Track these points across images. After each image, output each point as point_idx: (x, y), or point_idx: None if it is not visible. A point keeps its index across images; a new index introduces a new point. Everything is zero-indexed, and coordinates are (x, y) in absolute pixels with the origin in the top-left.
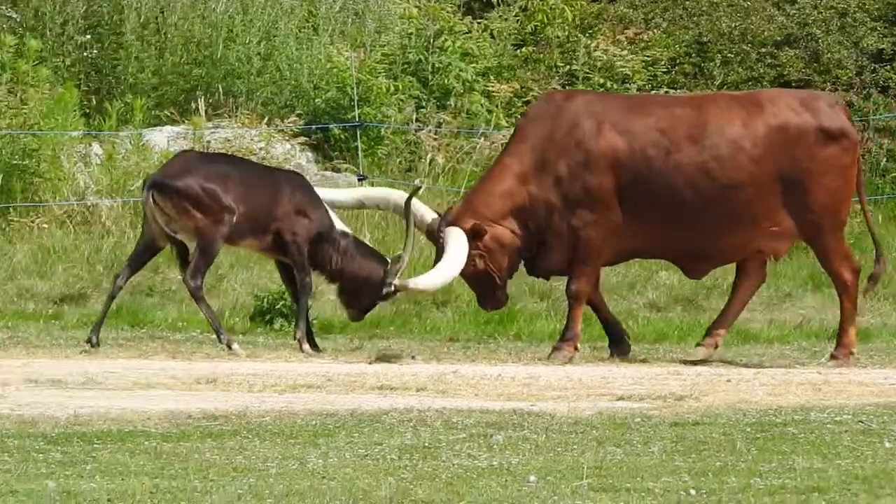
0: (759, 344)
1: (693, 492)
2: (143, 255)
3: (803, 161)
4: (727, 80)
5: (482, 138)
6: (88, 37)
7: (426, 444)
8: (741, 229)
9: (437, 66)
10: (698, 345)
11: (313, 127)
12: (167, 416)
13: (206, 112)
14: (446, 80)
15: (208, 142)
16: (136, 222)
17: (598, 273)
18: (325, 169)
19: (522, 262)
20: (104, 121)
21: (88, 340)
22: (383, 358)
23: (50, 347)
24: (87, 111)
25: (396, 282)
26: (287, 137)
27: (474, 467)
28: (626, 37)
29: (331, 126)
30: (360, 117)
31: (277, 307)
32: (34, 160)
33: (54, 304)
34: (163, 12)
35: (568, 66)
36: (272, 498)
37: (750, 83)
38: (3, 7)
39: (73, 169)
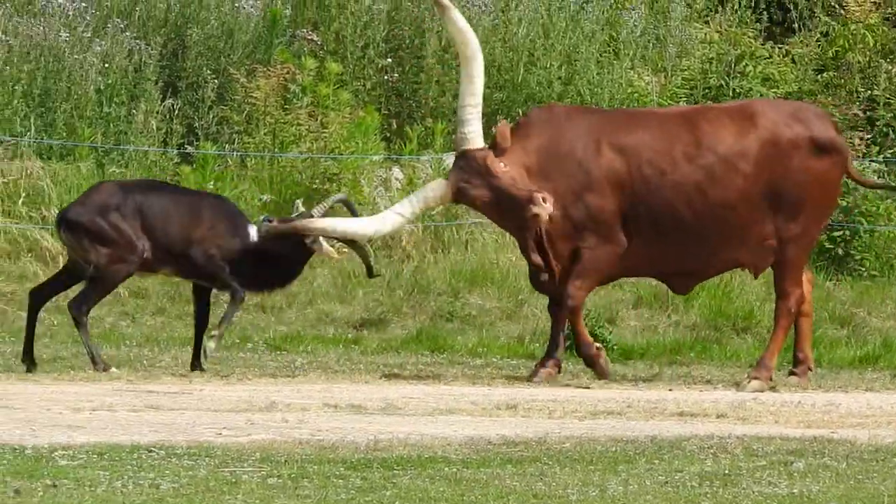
0: None
1: None
2: (67, 279)
3: (795, 174)
4: None
5: None
6: (389, 60)
7: (726, 472)
8: (732, 246)
9: (737, 90)
10: (791, 373)
11: None
12: (467, 441)
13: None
14: None
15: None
16: (437, 246)
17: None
18: None
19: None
20: (404, 145)
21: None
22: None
23: (350, 373)
24: (388, 135)
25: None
26: None
27: (774, 495)
28: None
29: None
30: None
31: None
32: (335, 184)
33: (354, 329)
34: None
35: (869, 92)
36: None
37: None
38: (305, 30)
39: (374, 193)
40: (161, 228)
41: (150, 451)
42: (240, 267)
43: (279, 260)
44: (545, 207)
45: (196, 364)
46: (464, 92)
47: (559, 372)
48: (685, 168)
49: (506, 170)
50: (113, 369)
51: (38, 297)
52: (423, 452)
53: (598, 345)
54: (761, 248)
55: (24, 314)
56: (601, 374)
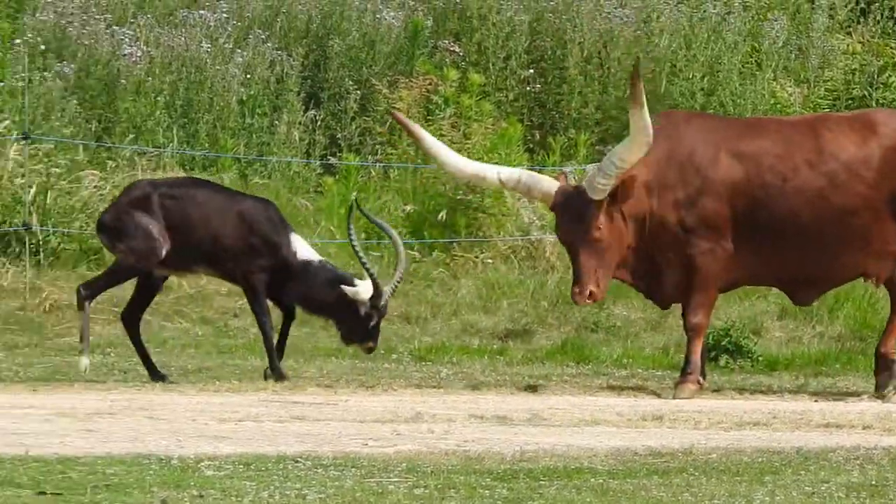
0: None
1: None
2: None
3: None
4: None
5: None
6: (531, 71)
7: (873, 482)
8: (853, 252)
9: (881, 101)
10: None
11: None
12: (613, 452)
13: None
14: None
15: None
16: None
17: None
18: None
19: (641, 283)
20: (548, 156)
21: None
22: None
23: (495, 383)
24: (531, 146)
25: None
26: None
27: None
28: None
29: None
30: None
31: (723, 344)
32: (478, 196)
33: (499, 340)
34: (605, 47)
35: None
36: None
37: None
38: (447, 41)
39: (518, 204)
40: (189, 228)
41: (296, 462)
42: (276, 283)
43: (314, 290)
44: (581, 296)
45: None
46: (621, 149)
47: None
48: (806, 174)
49: (599, 234)
50: (84, 359)
51: (130, 319)
52: (568, 463)
53: (701, 380)
54: (884, 256)
55: (169, 324)
56: (681, 396)
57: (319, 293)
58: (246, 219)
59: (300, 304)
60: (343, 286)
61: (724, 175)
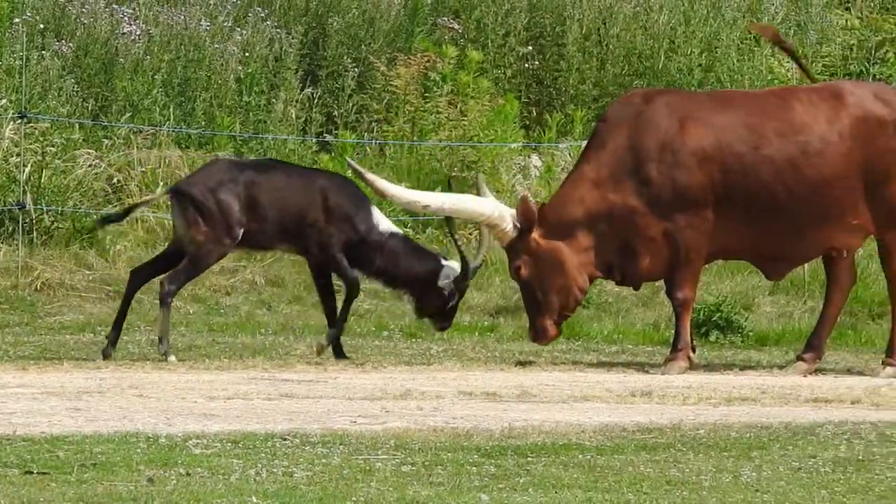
0: None
1: None
2: (171, 257)
3: (885, 153)
4: None
5: None
6: (530, 48)
7: (860, 457)
8: (825, 225)
9: (878, 77)
10: (799, 358)
11: None
12: (602, 429)
13: None
14: None
15: None
16: None
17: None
18: None
19: (609, 272)
20: (544, 133)
21: (164, 354)
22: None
23: (485, 360)
24: (527, 123)
25: None
26: None
27: None
28: None
29: None
30: None
31: (713, 319)
32: (473, 172)
33: (490, 317)
34: (604, 23)
35: None
36: None
37: None
38: (446, 19)
39: (513, 181)
40: (271, 208)
41: (285, 440)
42: (357, 255)
43: (402, 267)
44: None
45: (338, 352)
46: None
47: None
48: (778, 144)
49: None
50: (171, 358)
51: (139, 277)
52: (557, 440)
53: (693, 356)
54: (854, 229)
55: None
56: (671, 373)
57: (404, 266)
58: (326, 194)
59: (380, 277)
60: (444, 261)
61: (693, 146)
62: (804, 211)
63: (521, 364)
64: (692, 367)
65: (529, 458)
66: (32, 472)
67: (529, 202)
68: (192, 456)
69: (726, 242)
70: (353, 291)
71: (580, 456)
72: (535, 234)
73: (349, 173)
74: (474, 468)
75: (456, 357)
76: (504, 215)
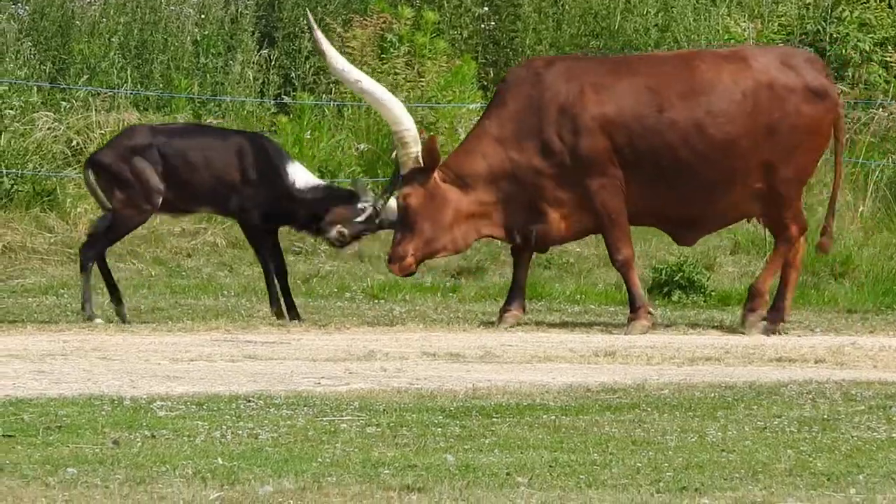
0: None
1: None
2: None
3: (789, 118)
4: None
5: (880, 109)
6: (486, 9)
7: (825, 417)
8: (732, 189)
9: (834, 36)
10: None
11: None
12: (566, 389)
13: None
14: (844, 51)
15: None
16: None
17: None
18: None
19: (510, 235)
20: None
21: (89, 318)
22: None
23: (448, 321)
24: (485, 83)
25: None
26: None
27: (873, 439)
28: None
29: None
30: None
31: (675, 279)
32: (431, 133)
33: (452, 278)
34: None
35: None
36: (671, 471)
37: None
38: None
39: None
40: (187, 172)
41: (249, 401)
42: (276, 212)
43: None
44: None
45: (292, 314)
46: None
47: (524, 312)
48: (682, 107)
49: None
50: (97, 320)
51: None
52: (521, 400)
53: (651, 309)
54: (767, 196)
55: (122, 265)
56: (634, 333)
57: (325, 212)
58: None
59: (306, 230)
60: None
61: (593, 111)
62: (711, 173)
63: (485, 325)
64: (653, 325)
65: (494, 419)
66: None
67: (436, 143)
68: (156, 418)
69: (637, 207)
70: (268, 273)
71: (545, 416)
72: (436, 174)
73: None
74: (439, 429)
75: (419, 318)
76: (416, 140)
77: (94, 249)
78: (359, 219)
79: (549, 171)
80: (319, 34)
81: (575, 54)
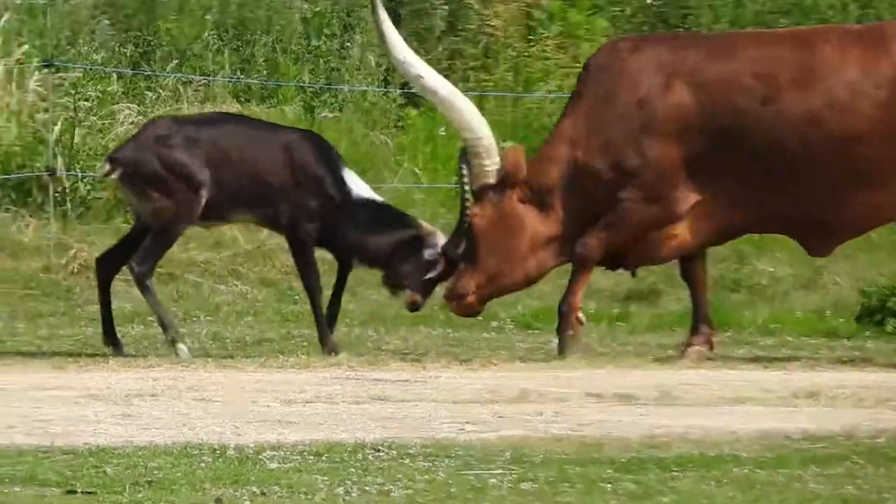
0: None
1: None
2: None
3: None
4: None
5: None
6: None
7: None
8: (867, 191)
9: None
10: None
11: None
12: (760, 436)
13: None
14: None
15: None
16: None
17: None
18: None
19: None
20: None
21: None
22: None
23: (616, 355)
24: None
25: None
26: None
27: None
28: None
29: None
30: None
31: (888, 305)
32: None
33: (620, 304)
34: None
35: None
36: None
37: None
38: None
39: None
40: (226, 169)
41: (378, 451)
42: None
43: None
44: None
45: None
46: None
47: (711, 348)
48: (792, 99)
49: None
50: (181, 346)
51: (106, 265)
52: (706, 450)
53: (581, 316)
54: None
55: (223, 287)
56: (562, 346)
57: (376, 239)
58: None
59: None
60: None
61: (679, 104)
62: (831, 174)
63: (660, 360)
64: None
65: (674, 473)
66: (76, 492)
67: (522, 156)
68: (267, 471)
69: (749, 214)
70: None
71: (735, 470)
72: (514, 193)
73: None
74: (608, 485)
75: (580, 351)
76: (491, 150)
77: (147, 265)
78: (429, 275)
79: (620, 180)
80: (382, 12)
81: (670, 34)
